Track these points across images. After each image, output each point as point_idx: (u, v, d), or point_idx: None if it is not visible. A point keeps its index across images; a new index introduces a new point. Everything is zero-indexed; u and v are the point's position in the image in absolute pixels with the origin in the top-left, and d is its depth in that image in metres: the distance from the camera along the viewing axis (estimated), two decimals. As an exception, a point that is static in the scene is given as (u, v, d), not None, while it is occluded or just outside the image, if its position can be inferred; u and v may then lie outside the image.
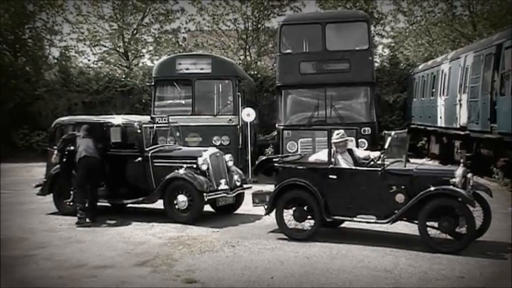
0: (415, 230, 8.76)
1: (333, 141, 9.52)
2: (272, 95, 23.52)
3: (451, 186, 8.46)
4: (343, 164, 9.43)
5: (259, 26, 29.80)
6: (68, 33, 30.70)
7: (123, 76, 27.59)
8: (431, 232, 8.60)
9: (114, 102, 25.70)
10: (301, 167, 9.61)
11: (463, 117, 17.78)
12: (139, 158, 11.39)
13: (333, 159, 9.32)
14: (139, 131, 11.56)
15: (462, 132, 17.77)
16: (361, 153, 9.97)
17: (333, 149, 9.46)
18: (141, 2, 29.93)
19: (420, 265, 7.78)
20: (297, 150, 15.38)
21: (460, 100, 18.17)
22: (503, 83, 14.69)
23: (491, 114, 15.27)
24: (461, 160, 9.68)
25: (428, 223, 8.59)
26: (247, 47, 30.04)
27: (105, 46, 31.12)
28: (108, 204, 12.02)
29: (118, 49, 31.01)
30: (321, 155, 9.61)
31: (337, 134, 9.59)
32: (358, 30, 17.41)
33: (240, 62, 27.98)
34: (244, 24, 29.76)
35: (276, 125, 17.76)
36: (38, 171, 15.85)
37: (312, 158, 9.82)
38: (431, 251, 8.37)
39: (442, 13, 30.38)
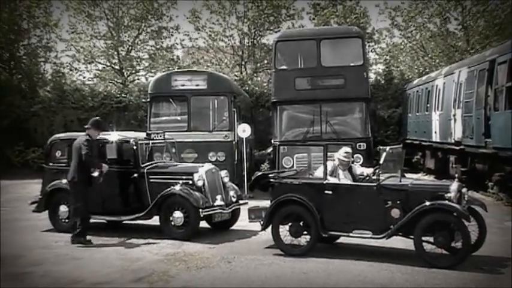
0: (411, 245, 8.77)
1: (339, 157, 9.60)
2: (268, 111, 23.57)
3: (446, 201, 8.50)
4: (343, 180, 9.48)
5: (255, 42, 30.01)
6: (63, 50, 30.93)
7: (119, 92, 27.66)
8: (427, 247, 8.62)
9: (110, 119, 25.72)
10: (297, 183, 9.65)
11: (457, 132, 17.88)
12: (135, 175, 11.40)
13: (330, 176, 9.37)
14: (135, 147, 11.58)
15: (457, 147, 17.85)
16: (357, 169, 10.03)
17: (337, 164, 9.53)
18: (135, 20, 30.12)
19: (416, 280, 7.80)
20: (292, 166, 15.37)
21: (454, 115, 18.27)
22: (497, 98, 14.79)
23: (486, 129, 15.35)
24: (456, 175, 9.75)
25: (423, 238, 8.61)
26: (243, 63, 30.22)
27: (100, 63, 31.25)
28: (104, 221, 12.01)
29: (113, 66, 31.12)
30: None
31: (346, 153, 9.70)
32: (353, 46, 17.52)
33: (236, 78, 28.12)
34: (240, 41, 29.97)
35: (272, 141, 17.79)
36: (33, 188, 15.81)
37: (317, 173, 9.82)
38: (427, 265, 8.38)
39: (436, 28, 30.62)
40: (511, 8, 28.28)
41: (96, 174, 10.60)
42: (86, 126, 10.99)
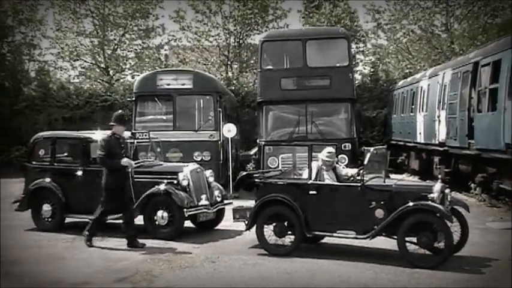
0: (395, 246, 8.82)
1: (322, 158, 9.61)
2: (253, 111, 23.60)
3: (430, 202, 8.55)
4: (327, 181, 9.50)
5: (241, 42, 30.00)
6: (47, 48, 30.69)
7: (104, 91, 27.52)
8: (410, 247, 8.67)
9: (95, 118, 25.56)
10: (281, 183, 9.66)
11: (441, 134, 18.00)
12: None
13: (313, 176, 9.40)
14: (119, 146, 11.51)
15: (441, 148, 17.97)
16: (342, 170, 10.05)
17: (320, 164, 9.55)
18: (121, 18, 29.98)
19: (399, 280, 7.84)
20: (278, 166, 15.44)
21: (438, 116, 18.40)
22: (480, 100, 14.92)
23: (469, 131, 15.47)
24: (440, 176, 9.81)
25: (407, 238, 8.66)
26: (229, 62, 30.19)
27: (85, 61, 31.06)
28: (87, 220, 11.93)
29: (99, 64, 30.95)
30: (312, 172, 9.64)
31: (328, 153, 9.69)
32: (339, 47, 17.60)
33: (222, 77, 28.08)
34: (226, 40, 29.94)
35: (257, 141, 17.81)
36: (16, 186, 15.66)
37: (305, 175, 9.81)
38: (410, 266, 8.43)
39: (421, 31, 30.81)
40: (493, 11, 28.66)
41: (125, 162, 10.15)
42: (110, 124, 10.41)
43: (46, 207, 11.72)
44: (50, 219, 11.68)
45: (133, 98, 17.99)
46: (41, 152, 12.49)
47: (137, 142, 12.33)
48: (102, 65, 30.81)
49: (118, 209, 10.32)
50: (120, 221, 11.36)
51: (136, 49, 31.05)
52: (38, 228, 11.71)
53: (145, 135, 12.48)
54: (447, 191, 9.01)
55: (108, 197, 10.12)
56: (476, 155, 14.97)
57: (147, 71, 26.24)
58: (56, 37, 30.19)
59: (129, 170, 10.32)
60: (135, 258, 9.27)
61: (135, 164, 11.58)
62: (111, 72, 30.90)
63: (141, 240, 10.28)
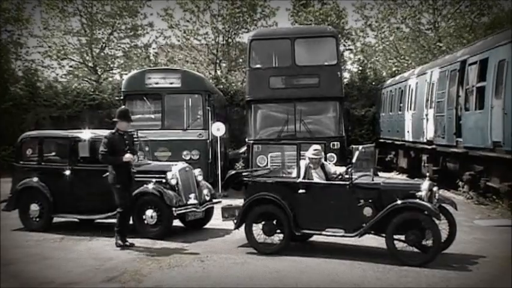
0: (383, 244, 8.85)
1: (309, 156, 9.62)
2: (242, 110, 23.60)
3: (418, 200, 8.59)
4: (315, 179, 9.52)
5: (229, 40, 29.98)
6: (35, 46, 30.50)
7: (92, 90, 27.37)
8: (399, 245, 8.71)
9: (83, 117, 25.43)
10: (270, 181, 9.67)
11: (429, 132, 18.10)
12: (108, 173, 11.31)
13: (302, 174, 9.41)
14: (108, 145, 11.47)
15: (429, 147, 18.07)
16: (331, 168, 10.06)
17: (308, 163, 9.56)
18: (109, 17, 29.85)
19: (387, 278, 7.87)
20: (266, 165, 15.46)
21: (426, 115, 18.50)
22: (468, 98, 15.02)
23: (457, 129, 15.57)
24: (428, 174, 9.85)
25: (395, 236, 8.70)
26: (218, 61, 30.16)
27: (73, 60, 30.90)
28: (76, 220, 11.90)
29: (86, 63, 30.80)
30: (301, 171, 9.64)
31: (315, 150, 9.68)
32: (327, 46, 17.62)
33: (211, 76, 28.03)
34: (214, 39, 29.93)
35: (246, 139, 17.81)
36: (4, 186, 15.57)
37: (294, 173, 9.81)
38: (398, 263, 8.46)
39: (408, 29, 30.96)
40: (480, 10, 28.87)
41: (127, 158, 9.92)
42: (114, 120, 10.27)
43: (34, 207, 11.64)
44: (37, 219, 11.61)
45: (122, 97, 17.93)
46: (29, 152, 12.40)
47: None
48: (90, 64, 30.68)
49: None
50: (108, 221, 11.37)
51: (124, 48, 30.97)
52: (26, 228, 11.63)
53: (134, 134, 12.41)
54: (435, 189, 9.05)
55: (118, 195, 9.98)
56: (464, 153, 15.08)
57: (136, 69, 26.15)
58: (44, 36, 30.04)
59: (133, 165, 10.19)
60: (124, 258, 9.24)
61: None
62: (99, 71, 30.78)
63: (130, 240, 10.25)
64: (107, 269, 8.57)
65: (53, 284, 7.81)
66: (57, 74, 31.06)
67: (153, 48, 31.98)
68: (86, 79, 31.00)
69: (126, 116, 10.24)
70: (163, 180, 11.00)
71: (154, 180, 10.95)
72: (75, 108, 26.13)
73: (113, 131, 10.10)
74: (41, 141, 12.22)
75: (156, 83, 17.49)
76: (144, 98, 17.69)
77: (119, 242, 9.96)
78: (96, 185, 11.37)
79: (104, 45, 30.60)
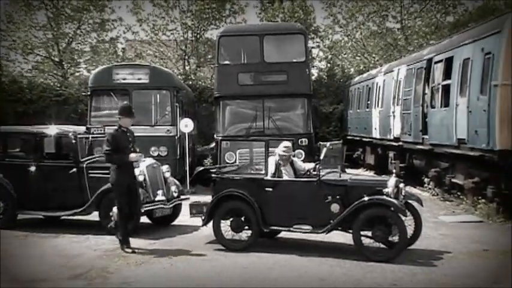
0: (350, 240, 8.93)
1: (279, 152, 9.64)
2: (211, 106, 23.52)
3: (384, 196, 8.69)
4: (285, 176, 9.55)
5: (198, 36, 29.86)
6: (-1, 41, 29.85)
7: (58, 85, 26.91)
8: (365, 241, 8.79)
9: (49, 112, 25.00)
10: (238, 178, 9.67)
11: (396, 129, 18.31)
12: (74, 169, 11.18)
13: (272, 171, 9.44)
14: (74, 141, 11.36)
15: (396, 144, 18.29)
16: (300, 165, 10.10)
17: (277, 159, 9.58)
18: (76, 11, 29.42)
19: (354, 274, 7.94)
20: (235, 161, 15.43)
21: (393, 112, 18.71)
22: (434, 96, 15.24)
23: (423, 126, 15.79)
24: (394, 170, 9.96)
25: (362, 232, 8.78)
26: (187, 57, 30.02)
27: (39, 54, 30.35)
28: (40, 217, 11.72)
29: (53, 58, 30.29)
30: (270, 167, 9.65)
31: (285, 147, 9.71)
32: (296, 43, 17.66)
33: (179, 72, 27.86)
34: (183, 35, 29.77)
35: (215, 136, 17.77)
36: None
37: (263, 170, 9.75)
38: (365, 259, 8.55)
39: (375, 26, 31.25)
40: (445, 9, 29.35)
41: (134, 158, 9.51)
42: (117, 116, 9.76)
43: (-3, 204, 11.42)
44: (1, 216, 11.38)
45: (89, 93, 17.71)
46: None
47: (92, 137, 12.15)
48: (56, 59, 30.16)
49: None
50: (74, 218, 11.23)
51: (91, 42, 30.55)
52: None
53: (101, 130, 12.30)
54: (401, 185, 9.17)
55: (120, 195, 9.45)
56: (430, 150, 15.30)
57: (103, 65, 25.81)
58: (8, 29, 29.39)
59: (138, 165, 9.90)
60: (91, 255, 9.14)
61: (90, 159, 11.46)
62: (65, 66, 30.29)
63: (95, 237, 10.14)
64: (73, 266, 8.47)
65: (17, 282, 7.69)
66: (22, 69, 30.48)
67: (121, 44, 31.69)
68: (52, 74, 30.47)
69: (129, 112, 9.76)
70: (131, 177, 10.88)
71: (121, 176, 10.82)
72: (41, 104, 25.63)
73: (116, 127, 9.64)
74: (5, 136, 12.00)
75: (124, 79, 17.29)
76: (112, 94, 17.45)
77: (127, 250, 9.34)
78: (62, 181, 11.27)
79: (70, 39, 30.13)
